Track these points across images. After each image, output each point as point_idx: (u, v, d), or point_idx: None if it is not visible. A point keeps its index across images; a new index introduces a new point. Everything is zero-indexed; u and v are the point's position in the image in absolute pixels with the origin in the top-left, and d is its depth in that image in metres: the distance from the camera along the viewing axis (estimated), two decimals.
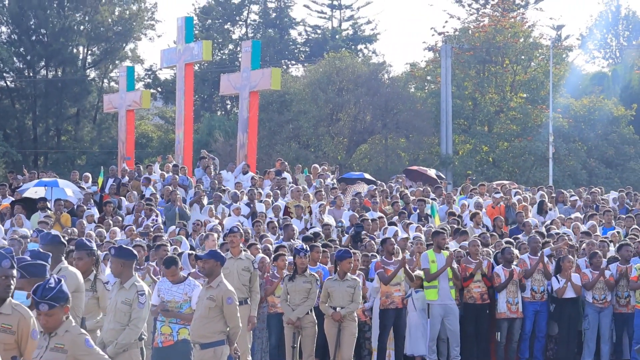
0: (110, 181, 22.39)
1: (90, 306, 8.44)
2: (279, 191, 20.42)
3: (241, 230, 12.39)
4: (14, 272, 6.35)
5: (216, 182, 21.63)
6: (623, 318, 13.83)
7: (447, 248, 13.89)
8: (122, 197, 20.37)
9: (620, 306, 13.88)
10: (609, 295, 13.87)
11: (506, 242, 14.82)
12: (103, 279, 8.66)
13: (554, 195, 21.11)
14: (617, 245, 14.75)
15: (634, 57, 49.74)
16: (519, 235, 16.35)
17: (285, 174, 23.72)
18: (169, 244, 13.46)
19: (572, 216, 18.43)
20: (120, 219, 18.23)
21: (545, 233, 15.90)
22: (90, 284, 8.62)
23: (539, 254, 13.99)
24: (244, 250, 12.28)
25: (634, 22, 58.45)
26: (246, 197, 19.58)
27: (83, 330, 6.01)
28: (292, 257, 12.34)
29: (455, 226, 16.58)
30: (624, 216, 18.43)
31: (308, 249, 11.86)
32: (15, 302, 6.31)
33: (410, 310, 13.40)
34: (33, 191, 20.55)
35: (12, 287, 6.31)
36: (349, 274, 11.50)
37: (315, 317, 11.45)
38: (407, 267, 13.16)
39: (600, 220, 17.83)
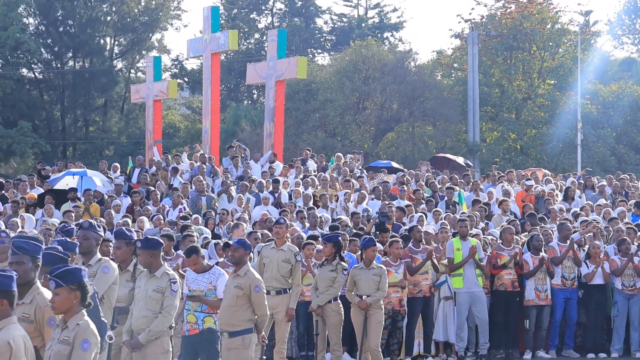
0: (137, 171, 22.50)
1: (132, 297, 8.51)
2: (309, 180, 20.44)
3: (287, 222, 12.33)
4: (20, 257, 6.42)
5: (249, 171, 21.68)
6: None
7: (475, 235, 13.86)
8: (151, 187, 20.47)
9: None
10: (639, 281, 13.78)
11: (532, 230, 14.80)
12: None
13: (581, 181, 21.01)
14: None
15: None
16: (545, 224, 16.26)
17: (312, 163, 23.73)
18: (196, 234, 13.50)
19: (600, 203, 18.32)
20: (149, 208, 18.32)
21: (573, 220, 15.84)
22: (130, 274, 8.68)
23: (568, 241, 13.92)
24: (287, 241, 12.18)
25: None
26: (271, 186, 19.62)
27: (94, 330, 5.89)
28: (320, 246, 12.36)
29: (484, 213, 16.55)
30: None
31: (335, 236, 11.81)
32: (37, 291, 6.37)
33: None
34: (64, 182, 20.73)
35: (22, 270, 6.35)
36: (374, 262, 11.50)
37: (340, 306, 11.44)
38: (434, 259, 13.13)
39: (630, 208, 17.71)
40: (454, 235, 13.95)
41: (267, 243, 11.83)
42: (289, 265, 11.33)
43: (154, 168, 22.82)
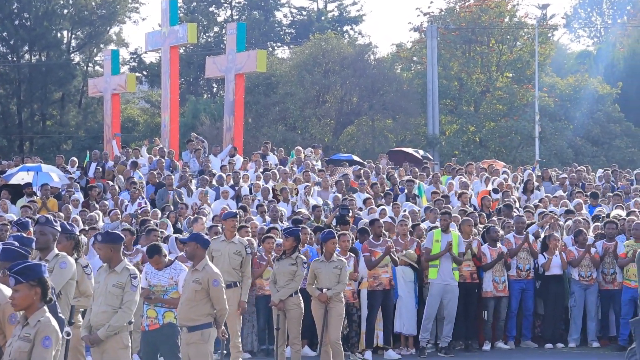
0: (94, 165, 22.32)
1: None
2: (270, 174, 20.40)
3: (240, 215, 12.33)
4: None
5: (209, 165, 21.58)
6: (609, 295, 13.93)
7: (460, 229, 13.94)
8: (108, 182, 20.32)
9: (606, 283, 13.97)
10: (595, 272, 13.95)
11: (490, 222, 14.91)
12: (82, 262, 8.61)
13: (539, 173, 21.20)
14: (603, 222, 14.83)
15: (618, 36, 49.84)
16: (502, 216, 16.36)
17: (272, 157, 23.69)
18: (159, 229, 13.43)
19: (557, 194, 18.49)
20: (106, 203, 18.19)
21: (532, 212, 15.97)
22: None
23: (524, 233, 14.07)
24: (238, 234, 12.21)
25: (617, 0, 58.49)
26: (231, 180, 19.56)
27: (55, 326, 5.85)
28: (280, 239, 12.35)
29: (442, 205, 16.61)
30: (611, 194, 18.52)
31: (296, 230, 11.81)
32: None
33: (400, 288, 13.45)
34: (19, 177, 20.48)
35: None
36: (335, 254, 11.50)
37: (300, 299, 11.44)
38: (392, 254, 13.14)
39: (586, 200, 17.91)
40: (413, 227, 14.01)
41: (217, 236, 11.80)
42: (240, 257, 11.40)
43: (112, 162, 22.65)
